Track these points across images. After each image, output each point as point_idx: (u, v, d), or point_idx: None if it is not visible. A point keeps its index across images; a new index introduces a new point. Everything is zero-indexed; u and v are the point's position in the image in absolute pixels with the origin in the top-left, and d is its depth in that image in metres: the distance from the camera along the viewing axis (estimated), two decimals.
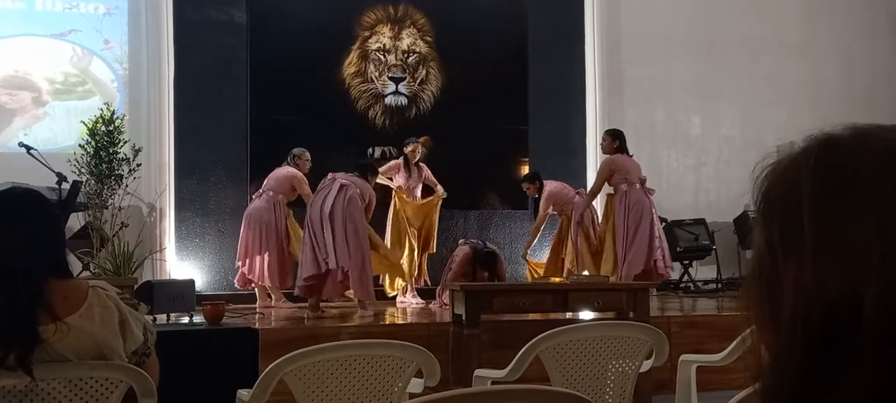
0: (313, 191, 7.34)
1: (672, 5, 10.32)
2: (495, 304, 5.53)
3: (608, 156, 8.11)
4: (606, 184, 8.19)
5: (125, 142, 8.17)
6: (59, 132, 8.58)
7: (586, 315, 6.02)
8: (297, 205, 7.88)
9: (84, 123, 8.08)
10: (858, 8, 10.84)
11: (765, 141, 9.32)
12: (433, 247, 8.20)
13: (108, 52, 8.89)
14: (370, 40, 9.56)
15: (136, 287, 5.68)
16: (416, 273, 8.10)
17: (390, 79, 9.56)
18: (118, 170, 7.99)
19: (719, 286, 9.35)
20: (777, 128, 9.43)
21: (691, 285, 9.34)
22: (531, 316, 6.14)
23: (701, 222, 9.57)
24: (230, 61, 9.09)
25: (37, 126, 8.60)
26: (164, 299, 4.96)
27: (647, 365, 3.50)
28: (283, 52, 9.20)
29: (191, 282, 5.99)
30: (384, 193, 8.30)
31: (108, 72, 8.89)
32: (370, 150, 9.20)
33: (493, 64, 9.80)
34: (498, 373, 3.40)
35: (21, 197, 2.41)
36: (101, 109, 8.17)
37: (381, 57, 9.57)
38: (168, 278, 8.18)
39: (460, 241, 8.06)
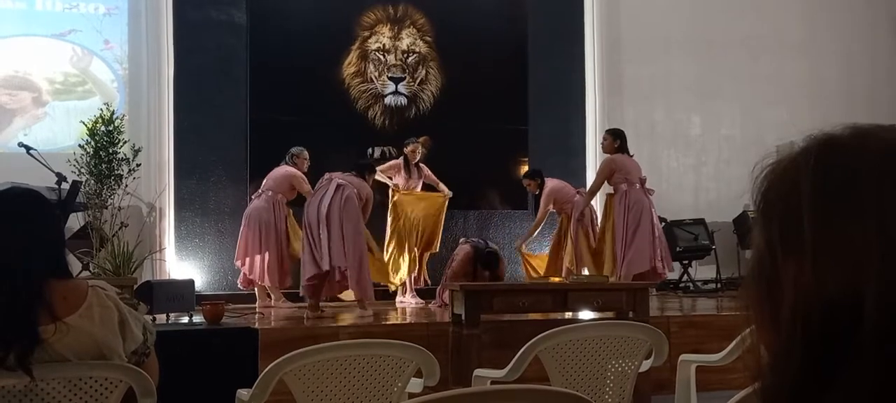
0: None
1: (672, 5, 10.32)
2: (495, 304, 5.54)
3: (609, 155, 8.10)
4: (606, 183, 8.19)
5: (125, 142, 8.17)
6: (59, 132, 8.58)
7: (586, 314, 6.02)
8: (298, 205, 7.88)
9: (84, 123, 8.08)
10: (858, 7, 10.84)
11: (765, 140, 9.33)
12: (436, 247, 8.17)
13: (108, 52, 8.89)
14: (370, 40, 9.56)
15: (135, 287, 5.68)
16: (415, 272, 8.10)
17: (390, 79, 9.56)
18: (118, 170, 7.99)
19: (719, 286, 9.35)
20: (777, 127, 9.43)
21: (691, 285, 9.34)
22: (531, 316, 6.14)
23: (700, 222, 9.57)
24: (230, 61, 9.09)
25: (37, 126, 8.60)
26: (163, 299, 4.96)
27: (646, 365, 3.50)
28: (282, 51, 9.20)
29: (190, 282, 6.00)
30: (382, 194, 8.31)
31: (108, 72, 8.89)
32: (370, 150, 9.20)
33: (493, 64, 9.80)
34: (497, 373, 3.40)
35: (21, 197, 2.41)
36: (101, 109, 8.16)
37: (381, 57, 9.57)
38: (167, 278, 8.18)
39: (461, 240, 8.06)
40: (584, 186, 8.89)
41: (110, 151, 7.98)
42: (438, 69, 9.72)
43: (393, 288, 8.01)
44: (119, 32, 8.90)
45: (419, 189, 8.29)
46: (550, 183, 8.45)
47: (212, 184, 8.99)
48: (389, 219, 8.01)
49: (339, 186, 6.85)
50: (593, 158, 9.86)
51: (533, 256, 8.65)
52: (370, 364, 2.91)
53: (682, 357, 4.11)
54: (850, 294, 0.65)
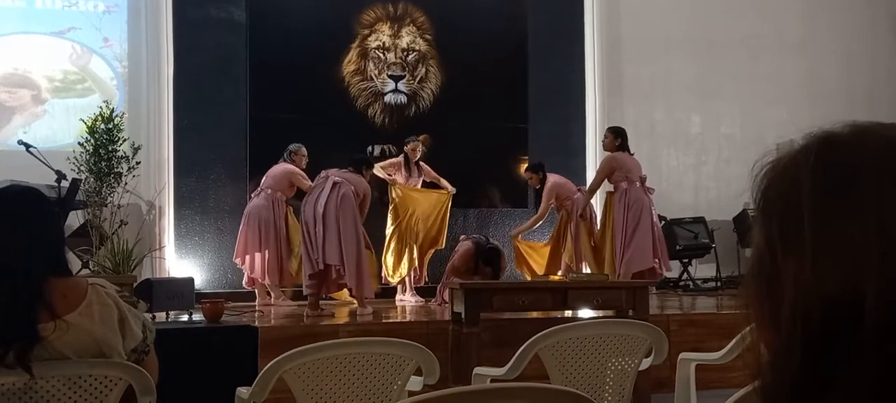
0: None
1: (672, 4, 10.32)
2: (495, 302, 5.54)
3: (609, 153, 8.10)
4: (607, 181, 8.19)
5: (124, 139, 8.17)
6: (59, 130, 8.58)
7: (586, 313, 6.02)
8: (298, 201, 7.87)
9: (83, 121, 8.08)
10: (858, 6, 10.84)
11: (765, 139, 9.32)
12: (442, 243, 8.14)
13: (108, 50, 8.89)
14: (370, 38, 9.55)
15: (135, 285, 5.69)
16: (416, 270, 8.09)
17: (390, 77, 9.56)
18: (117, 167, 7.99)
19: (719, 284, 9.36)
20: (777, 126, 9.44)
21: (690, 283, 9.34)
22: (530, 315, 6.14)
23: (700, 220, 9.57)
24: (229, 59, 9.09)
25: (36, 124, 8.60)
26: (163, 297, 4.96)
27: (646, 364, 3.50)
28: (282, 50, 9.20)
29: (190, 280, 6.00)
30: (382, 191, 8.30)
31: (108, 69, 8.89)
32: (370, 148, 9.20)
33: (493, 62, 9.79)
34: (497, 371, 3.40)
35: (20, 195, 2.41)
36: (101, 107, 8.16)
37: (381, 55, 9.57)
38: (167, 276, 8.19)
39: (461, 238, 8.06)
40: (585, 185, 8.89)
41: (110, 149, 7.98)
42: (438, 67, 9.72)
43: (394, 281, 8.00)
44: (118, 30, 8.90)
45: (419, 187, 8.28)
46: (552, 178, 8.42)
47: (211, 182, 8.99)
48: (390, 216, 8.00)
49: (335, 184, 6.83)
50: (593, 157, 9.86)
51: (528, 244, 8.58)
52: (370, 363, 2.91)
53: (682, 355, 4.11)
54: (851, 292, 0.65)
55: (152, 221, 8.71)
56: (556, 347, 3.28)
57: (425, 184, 8.35)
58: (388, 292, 8.07)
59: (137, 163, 8.16)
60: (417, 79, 9.66)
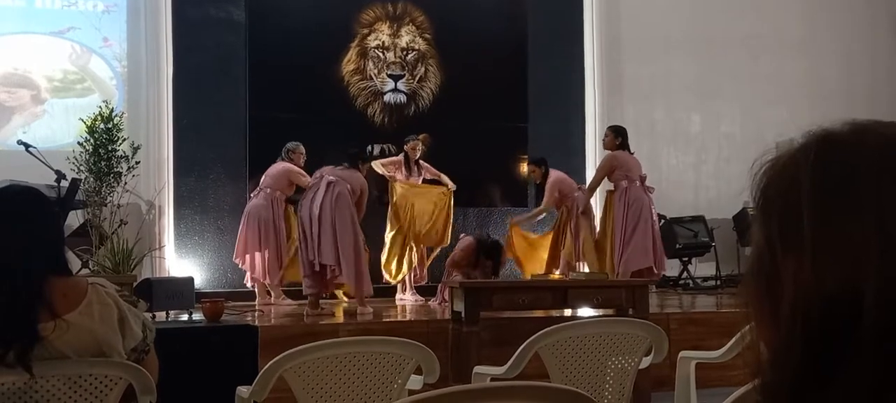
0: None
1: (672, 4, 10.32)
2: (495, 301, 5.54)
3: (610, 151, 8.10)
4: (607, 179, 8.19)
5: (124, 139, 8.17)
6: (58, 130, 8.58)
7: (586, 311, 6.02)
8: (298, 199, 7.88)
9: (83, 121, 8.08)
10: (858, 6, 10.83)
11: (765, 138, 9.33)
12: (447, 240, 8.10)
13: (107, 50, 8.89)
14: (369, 38, 9.55)
15: (135, 284, 5.68)
16: (416, 269, 8.09)
17: (389, 76, 9.55)
18: (117, 167, 7.99)
19: (718, 283, 9.36)
20: (777, 125, 9.43)
21: (690, 282, 9.34)
22: (530, 314, 6.14)
23: (700, 219, 9.58)
24: (229, 59, 9.09)
25: (35, 123, 8.60)
26: (163, 296, 4.95)
27: (646, 362, 3.50)
28: (281, 49, 9.19)
29: (190, 280, 5.98)
30: (381, 189, 8.29)
31: (107, 69, 8.89)
32: (369, 147, 9.19)
33: (493, 62, 9.79)
34: (497, 370, 3.40)
35: (20, 195, 2.41)
36: (100, 107, 8.16)
37: (380, 54, 9.57)
38: (167, 275, 8.18)
39: (462, 236, 8.05)
40: (584, 184, 8.89)
41: (109, 149, 7.98)
42: (438, 66, 9.72)
43: (394, 282, 8.00)
44: (118, 30, 8.89)
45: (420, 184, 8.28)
46: (555, 173, 8.40)
47: (211, 182, 8.99)
48: (390, 215, 8.00)
49: (329, 184, 6.81)
50: (593, 156, 9.87)
51: (523, 234, 8.51)
52: (370, 362, 2.92)
53: (682, 353, 4.11)
54: (850, 290, 0.65)
55: (152, 221, 8.71)
56: (556, 346, 3.28)
57: (427, 182, 8.34)
58: (388, 291, 8.07)
59: (137, 163, 8.16)
60: (417, 78, 9.66)
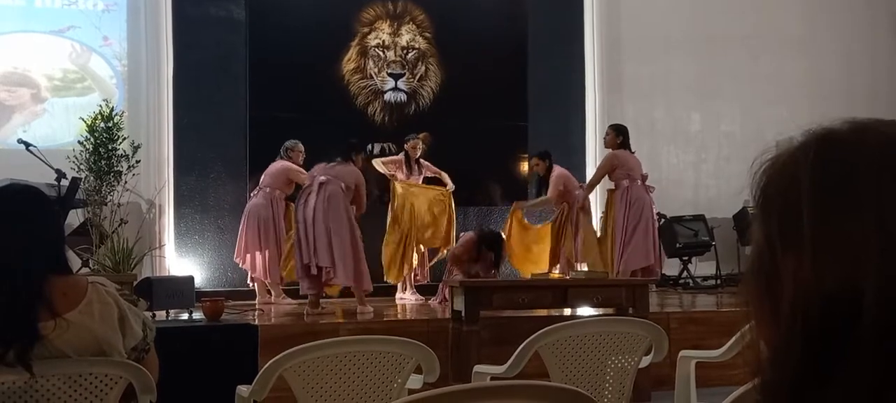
0: None
1: (672, 3, 10.32)
2: (495, 300, 5.54)
3: (611, 150, 8.09)
4: (608, 178, 8.18)
5: (124, 138, 8.17)
6: (58, 129, 8.58)
7: (586, 311, 6.02)
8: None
9: (83, 120, 8.08)
10: (858, 6, 10.83)
11: (765, 137, 9.32)
12: (452, 241, 8.03)
13: (107, 49, 8.89)
14: (369, 36, 9.55)
15: (135, 283, 5.68)
16: (416, 269, 8.09)
17: (389, 75, 9.55)
18: (117, 166, 7.99)
19: (718, 282, 9.36)
20: (777, 124, 9.43)
21: (690, 281, 9.34)
22: (530, 313, 6.14)
23: (700, 218, 9.58)
24: (229, 58, 9.09)
25: (36, 122, 8.60)
26: (163, 295, 4.95)
27: (646, 361, 3.50)
28: (282, 48, 9.19)
29: (190, 279, 5.98)
30: (381, 188, 8.29)
31: (107, 68, 8.89)
32: (369, 146, 9.20)
33: (493, 61, 9.79)
34: (497, 369, 3.40)
35: (20, 194, 2.41)
36: (100, 106, 8.17)
37: (381, 53, 9.57)
38: (167, 274, 8.19)
39: (461, 234, 8.05)
40: (585, 182, 8.89)
41: (109, 148, 7.98)
42: (438, 65, 9.72)
43: (392, 282, 7.99)
44: (118, 29, 8.89)
45: (420, 183, 8.28)
46: (559, 168, 8.41)
47: (211, 181, 8.99)
48: (390, 215, 7.99)
49: (321, 185, 6.81)
50: (593, 156, 9.87)
51: (523, 224, 8.48)
52: (370, 361, 2.92)
53: (682, 353, 4.11)
54: (849, 289, 0.65)
55: (152, 220, 8.71)
56: (556, 345, 3.28)
57: (427, 181, 8.34)
58: (388, 290, 8.07)
59: (137, 162, 8.16)
60: (417, 77, 9.66)
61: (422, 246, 8.11)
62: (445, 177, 8.29)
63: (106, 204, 7.90)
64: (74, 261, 6.71)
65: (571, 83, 10.19)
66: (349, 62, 9.45)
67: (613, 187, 8.14)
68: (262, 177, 7.96)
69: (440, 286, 7.66)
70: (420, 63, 9.69)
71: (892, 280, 0.64)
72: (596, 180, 8.35)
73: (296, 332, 5.45)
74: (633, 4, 10.22)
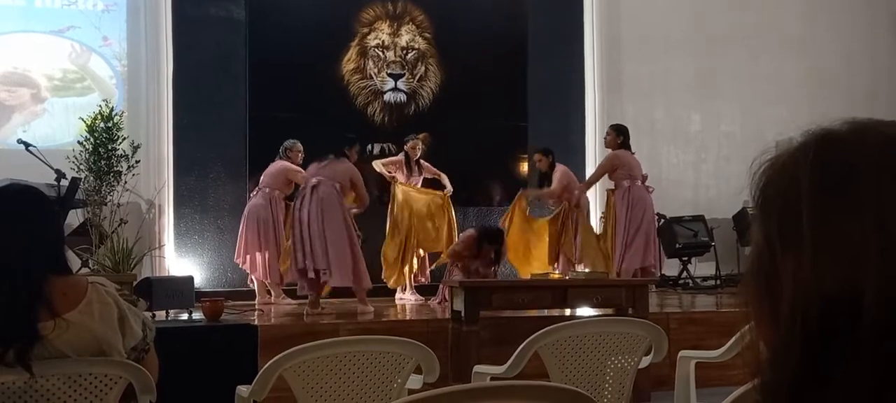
0: None
1: (672, 3, 10.32)
2: (494, 301, 5.54)
3: (612, 150, 8.09)
4: (608, 177, 8.18)
5: (124, 138, 8.17)
6: (58, 129, 8.58)
7: (585, 311, 6.02)
8: None
9: (83, 120, 8.08)
10: (858, 6, 10.83)
11: (765, 137, 9.32)
12: (455, 239, 8.07)
13: (107, 49, 8.89)
14: (369, 36, 9.55)
15: (135, 283, 5.68)
16: (415, 269, 8.09)
17: (389, 75, 9.55)
18: (117, 166, 7.99)
19: (718, 282, 9.36)
20: (777, 124, 9.43)
21: (690, 281, 9.34)
22: (530, 313, 6.14)
23: (700, 218, 9.58)
24: (229, 58, 9.09)
25: (35, 122, 8.60)
26: (163, 295, 4.95)
27: (646, 361, 3.50)
28: (281, 48, 9.19)
29: (190, 279, 5.98)
30: (381, 189, 8.29)
31: (107, 68, 8.89)
32: (369, 147, 9.20)
33: (493, 60, 9.79)
34: (497, 369, 3.40)
35: (20, 194, 2.41)
36: (100, 106, 8.17)
37: (380, 53, 9.57)
38: (167, 274, 8.19)
39: (462, 233, 8.05)
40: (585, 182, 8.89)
41: (109, 148, 7.98)
42: (438, 65, 9.72)
43: (390, 284, 7.99)
44: (118, 29, 8.89)
45: (420, 185, 8.28)
46: (562, 166, 8.42)
47: (211, 181, 8.99)
48: (389, 224, 7.99)
49: (313, 188, 6.81)
50: (593, 155, 9.87)
51: (526, 216, 8.45)
52: (370, 361, 2.92)
53: (682, 353, 4.11)
54: (849, 289, 0.65)
55: (152, 220, 8.71)
56: (556, 345, 3.28)
57: (426, 181, 8.34)
58: (388, 291, 8.06)
59: (137, 162, 8.16)
60: (417, 77, 9.66)
61: (422, 251, 8.11)
62: (445, 178, 8.29)
63: (106, 205, 7.90)
64: (74, 261, 6.71)
65: (571, 83, 10.19)
66: (349, 62, 9.45)
67: (613, 187, 8.14)
68: (262, 177, 7.97)
69: (440, 286, 7.66)
70: (420, 63, 9.69)
71: (891, 280, 0.64)
72: (596, 178, 8.36)
73: (296, 332, 5.45)
74: (633, 4, 10.22)
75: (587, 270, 7.53)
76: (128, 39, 8.91)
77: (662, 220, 8.90)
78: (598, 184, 8.76)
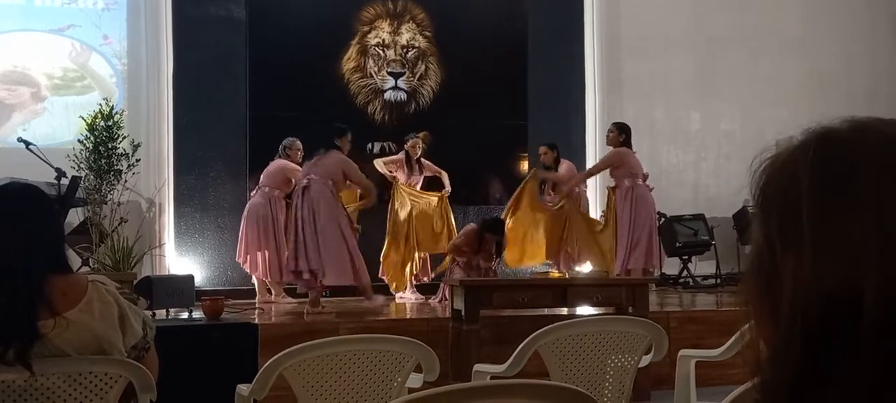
0: None
1: (672, 3, 10.31)
2: (495, 300, 5.54)
3: (614, 148, 8.09)
4: (609, 174, 8.19)
5: (124, 137, 8.17)
6: (58, 127, 8.58)
7: (585, 310, 6.02)
8: None
9: (83, 119, 8.08)
10: (858, 7, 10.83)
11: (764, 136, 9.32)
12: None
13: (107, 48, 8.88)
14: (369, 35, 9.55)
15: (135, 282, 5.69)
16: (416, 269, 8.09)
17: (389, 74, 9.55)
18: (117, 165, 7.99)
19: (718, 281, 9.36)
20: (777, 124, 9.43)
21: (690, 280, 9.34)
22: (530, 312, 6.13)
23: (700, 217, 9.58)
24: (229, 57, 9.08)
25: (36, 121, 8.59)
26: (163, 294, 4.95)
27: (646, 360, 3.50)
28: (282, 47, 9.19)
29: (190, 278, 5.98)
30: (382, 188, 8.28)
31: (107, 67, 8.88)
32: (369, 146, 9.20)
33: (493, 60, 9.79)
34: (497, 368, 3.40)
35: (20, 193, 2.41)
36: (100, 104, 8.16)
37: (380, 52, 9.56)
38: (167, 273, 8.18)
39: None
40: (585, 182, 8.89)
41: (109, 147, 7.98)
42: (438, 64, 9.72)
43: (392, 288, 7.99)
44: (118, 28, 8.89)
45: (420, 184, 8.28)
46: (567, 161, 8.42)
47: (211, 180, 8.99)
48: (388, 226, 7.98)
49: (304, 189, 6.83)
50: (593, 155, 9.87)
51: (534, 201, 8.41)
52: (370, 360, 2.92)
53: (682, 352, 4.11)
54: (849, 289, 0.65)
55: (152, 218, 8.71)
56: (556, 344, 3.28)
57: (427, 180, 8.34)
58: (388, 289, 8.06)
59: (137, 161, 8.16)
60: (417, 76, 9.66)
61: (423, 252, 8.11)
62: (445, 176, 8.29)
63: (106, 203, 7.90)
64: (74, 260, 6.72)
65: (571, 83, 10.19)
66: (349, 61, 9.45)
67: (613, 185, 8.14)
68: (261, 176, 7.97)
69: (441, 285, 7.66)
70: (420, 62, 9.69)
71: (891, 280, 0.64)
72: (596, 171, 8.38)
73: (296, 331, 5.45)
74: (633, 4, 10.22)
75: (587, 268, 7.54)
76: (128, 38, 8.90)
77: (663, 219, 8.89)
78: (598, 180, 8.76)
